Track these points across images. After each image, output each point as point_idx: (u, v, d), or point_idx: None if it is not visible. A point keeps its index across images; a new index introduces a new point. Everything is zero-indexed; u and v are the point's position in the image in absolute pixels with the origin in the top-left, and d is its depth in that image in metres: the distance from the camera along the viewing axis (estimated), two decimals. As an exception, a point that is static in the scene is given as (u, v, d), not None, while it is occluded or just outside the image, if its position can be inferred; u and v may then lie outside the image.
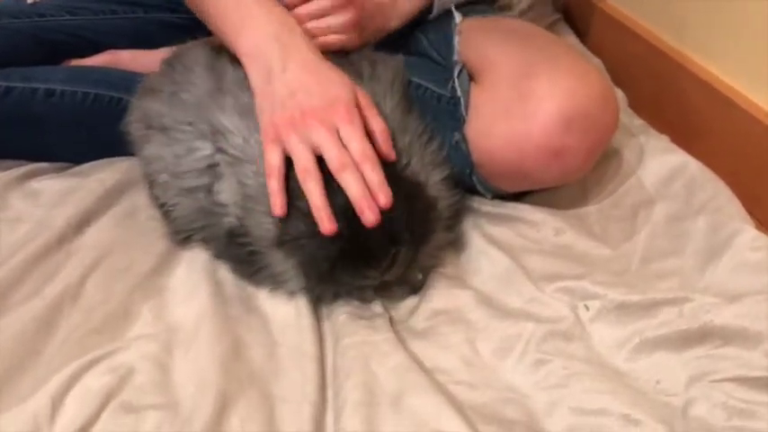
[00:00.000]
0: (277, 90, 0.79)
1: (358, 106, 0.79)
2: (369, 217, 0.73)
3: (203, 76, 0.87)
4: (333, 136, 0.76)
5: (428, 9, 0.99)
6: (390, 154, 0.78)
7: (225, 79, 0.86)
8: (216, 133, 0.83)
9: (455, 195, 0.85)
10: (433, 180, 0.82)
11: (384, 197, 0.74)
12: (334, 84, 0.80)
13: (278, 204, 0.77)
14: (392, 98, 0.85)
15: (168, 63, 0.94)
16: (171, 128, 0.87)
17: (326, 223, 0.73)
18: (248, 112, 0.82)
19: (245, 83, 0.83)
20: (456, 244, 0.90)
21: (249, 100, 0.82)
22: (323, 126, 0.76)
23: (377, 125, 0.79)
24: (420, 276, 0.84)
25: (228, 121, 0.82)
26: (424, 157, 0.82)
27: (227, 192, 0.82)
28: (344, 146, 0.76)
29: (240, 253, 0.82)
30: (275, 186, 0.77)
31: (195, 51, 0.93)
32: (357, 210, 0.73)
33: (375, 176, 0.75)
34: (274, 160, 0.77)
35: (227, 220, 0.82)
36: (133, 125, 0.92)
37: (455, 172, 0.87)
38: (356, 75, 0.85)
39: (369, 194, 0.74)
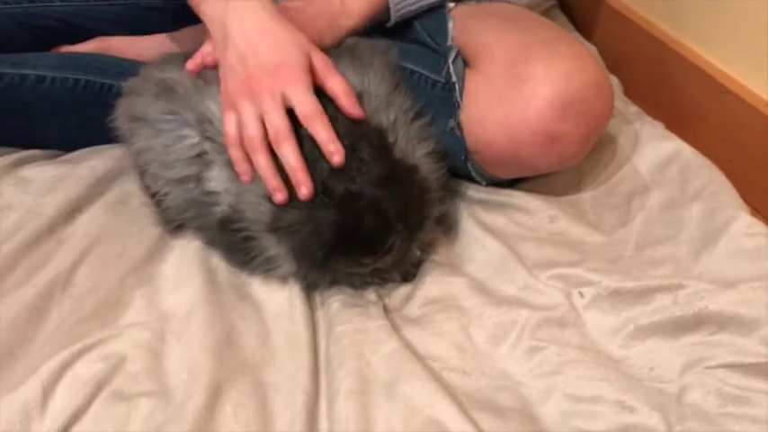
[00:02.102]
0: (230, 55, 0.80)
1: (313, 69, 0.79)
2: (303, 192, 0.75)
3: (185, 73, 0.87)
4: (275, 102, 0.77)
5: (387, 15, 0.94)
6: (355, 111, 0.78)
7: (208, 71, 0.85)
8: (202, 122, 0.83)
9: (441, 168, 0.85)
10: (420, 154, 0.82)
11: (337, 155, 0.75)
12: (283, 45, 0.79)
13: (244, 171, 0.78)
14: (375, 75, 0.84)
15: (152, 66, 0.93)
16: (156, 119, 0.86)
17: (278, 195, 0.76)
18: None
19: None
20: (450, 231, 0.90)
21: None
22: (267, 92, 0.77)
23: (336, 85, 0.79)
24: (419, 253, 0.84)
25: (216, 108, 0.82)
26: (410, 131, 0.82)
27: (217, 179, 0.82)
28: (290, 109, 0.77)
29: (233, 240, 0.82)
30: (237, 155, 0.78)
31: (177, 58, 0.92)
32: (293, 182, 0.75)
33: (323, 134, 0.75)
34: (231, 129, 0.79)
35: (218, 209, 0.82)
36: (119, 119, 0.91)
37: (449, 157, 0.87)
38: (337, 56, 0.85)
39: (304, 168, 0.75)
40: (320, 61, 0.80)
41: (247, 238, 0.80)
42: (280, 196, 0.76)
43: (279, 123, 0.76)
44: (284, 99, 0.77)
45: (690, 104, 1.06)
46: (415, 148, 0.82)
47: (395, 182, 0.76)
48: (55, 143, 1.05)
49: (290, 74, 0.77)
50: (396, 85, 0.86)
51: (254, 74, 0.78)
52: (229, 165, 0.80)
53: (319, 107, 0.77)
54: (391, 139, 0.80)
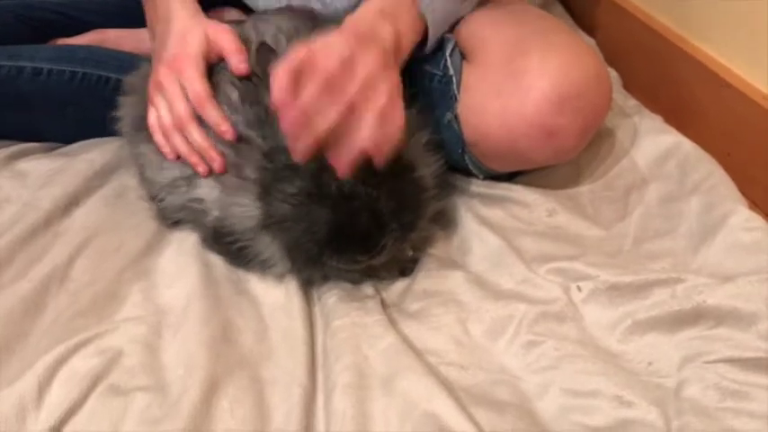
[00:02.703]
0: (154, 55, 0.88)
1: (210, 42, 0.83)
2: (215, 167, 0.80)
3: None
4: (175, 91, 0.82)
5: (422, 42, 0.88)
6: (240, 67, 0.81)
7: None
8: None
9: (438, 161, 0.84)
10: (416, 146, 0.81)
11: (228, 134, 0.79)
12: (182, 36, 0.84)
13: (167, 152, 0.84)
14: None
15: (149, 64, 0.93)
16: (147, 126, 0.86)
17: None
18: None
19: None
20: (447, 225, 0.89)
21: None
22: (168, 83, 0.83)
23: (225, 44, 0.82)
24: (411, 253, 0.83)
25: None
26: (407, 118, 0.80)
27: (205, 187, 0.82)
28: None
29: (228, 249, 0.82)
30: (159, 140, 0.84)
31: None
32: (207, 160, 0.80)
33: (213, 115, 0.80)
34: (151, 120, 0.85)
35: (209, 219, 0.82)
36: (122, 123, 0.92)
37: (447, 150, 0.86)
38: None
39: (212, 145, 0.80)
40: (211, 31, 0.84)
41: (242, 248, 0.80)
42: (201, 169, 0.81)
43: (179, 110, 0.82)
44: (183, 87, 0.82)
45: (689, 98, 1.05)
46: (410, 140, 0.80)
47: (390, 180, 0.75)
48: (52, 136, 1.04)
49: (182, 62, 0.83)
50: None
51: (158, 68, 0.84)
52: (215, 177, 0.81)
53: (208, 91, 0.81)
54: None
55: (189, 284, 0.81)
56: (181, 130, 0.82)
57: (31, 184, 0.94)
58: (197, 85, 0.81)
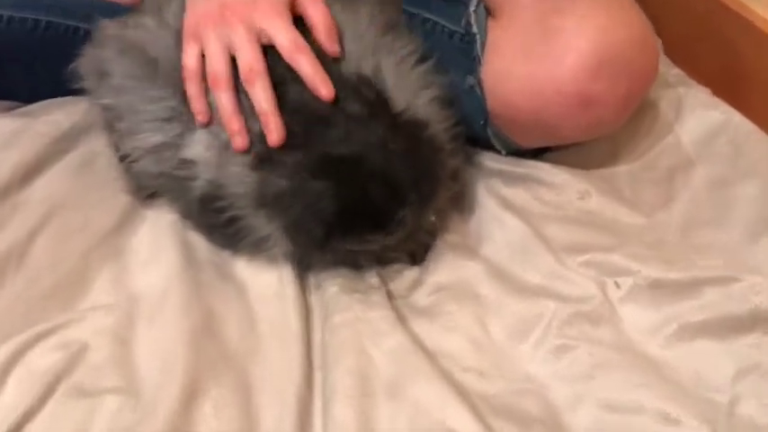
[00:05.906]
0: None
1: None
2: (272, 139, 0.73)
3: (160, 30, 0.83)
4: (249, 35, 0.76)
5: None
6: (332, 47, 0.77)
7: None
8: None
9: (449, 117, 0.81)
10: (423, 101, 0.79)
11: (325, 90, 0.74)
12: None
13: (200, 110, 0.77)
14: (366, 12, 0.81)
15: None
16: (122, 78, 0.83)
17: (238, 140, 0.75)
18: None
19: None
20: (464, 208, 0.88)
21: None
22: (242, 24, 0.76)
23: (317, 16, 0.78)
24: (433, 219, 0.81)
25: None
26: (410, 78, 0.79)
27: (198, 145, 0.78)
28: (264, 46, 0.76)
29: (216, 221, 0.79)
30: (195, 91, 0.77)
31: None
32: (263, 126, 0.74)
33: (309, 69, 0.74)
34: (192, 62, 0.77)
35: (197, 184, 0.78)
36: (84, 72, 0.88)
37: (466, 120, 0.84)
38: None
39: (276, 111, 0.74)
40: None
41: (232, 219, 0.77)
42: (240, 141, 0.75)
43: (253, 58, 0.75)
44: (261, 35, 0.76)
45: (738, 65, 1.02)
46: (417, 96, 0.79)
47: (399, 142, 0.73)
48: (13, 93, 1.00)
49: (269, 8, 0.77)
50: (392, 24, 0.82)
51: (228, 4, 0.77)
52: (211, 130, 0.77)
53: (303, 41, 0.76)
54: (391, 93, 0.77)
55: (166, 268, 0.80)
56: (247, 82, 0.75)
57: (-14, 147, 0.92)
58: (291, 31, 0.75)
